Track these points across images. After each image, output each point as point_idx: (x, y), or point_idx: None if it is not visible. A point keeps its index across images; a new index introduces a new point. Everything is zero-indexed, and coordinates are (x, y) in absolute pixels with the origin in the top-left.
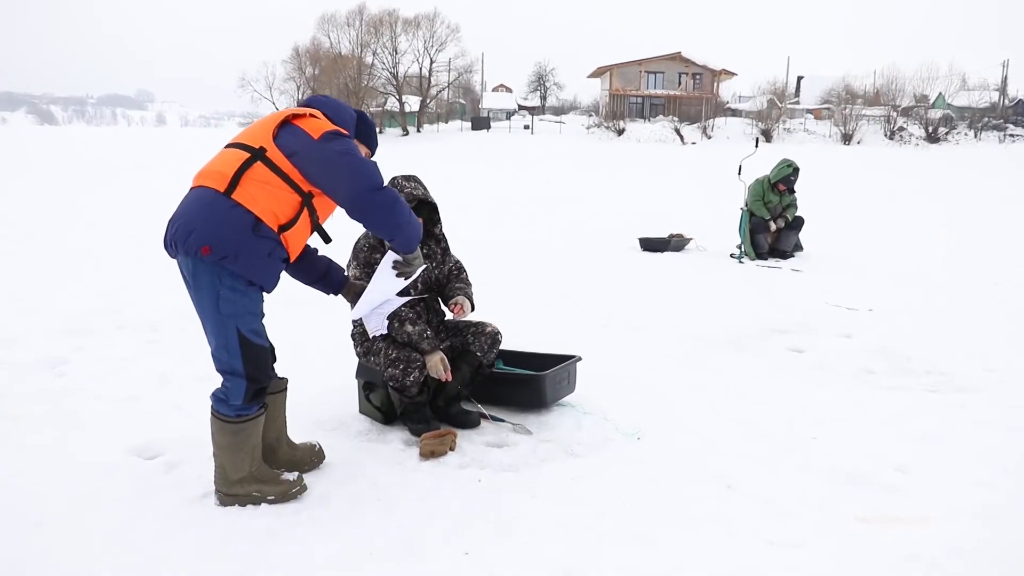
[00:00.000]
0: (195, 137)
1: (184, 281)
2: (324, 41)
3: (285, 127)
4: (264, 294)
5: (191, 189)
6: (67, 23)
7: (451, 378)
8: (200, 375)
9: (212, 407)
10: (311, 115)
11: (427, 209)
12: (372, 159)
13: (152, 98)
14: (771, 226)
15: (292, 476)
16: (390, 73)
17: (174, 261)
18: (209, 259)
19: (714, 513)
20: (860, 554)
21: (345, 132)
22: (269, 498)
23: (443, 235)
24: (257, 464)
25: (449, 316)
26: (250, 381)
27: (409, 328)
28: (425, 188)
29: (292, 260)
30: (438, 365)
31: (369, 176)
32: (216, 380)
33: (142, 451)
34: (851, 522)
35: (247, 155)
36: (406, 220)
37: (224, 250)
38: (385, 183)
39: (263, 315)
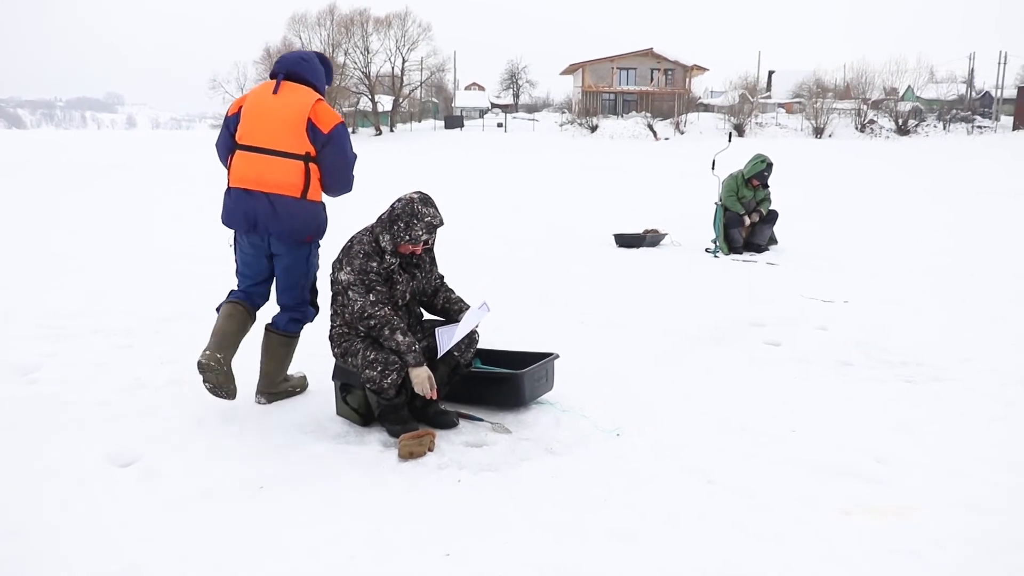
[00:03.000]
0: (166, 139)
1: (256, 250)
2: (295, 41)
3: (309, 124)
4: None
5: (255, 192)
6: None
7: (436, 396)
8: (176, 379)
9: (276, 326)
10: (318, 101)
11: (435, 231)
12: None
13: (122, 100)
14: (745, 220)
15: (300, 375)
16: (362, 73)
17: (150, 266)
18: (311, 243)
19: (695, 508)
20: (842, 546)
21: (337, 115)
22: (297, 391)
23: (433, 247)
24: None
25: (428, 317)
26: (315, 309)
27: (399, 338)
28: (438, 211)
29: None
30: (424, 382)
31: (347, 177)
32: (194, 384)
33: (116, 457)
34: (832, 514)
35: (301, 163)
36: (351, 186)
37: (319, 233)
38: (352, 176)
39: None
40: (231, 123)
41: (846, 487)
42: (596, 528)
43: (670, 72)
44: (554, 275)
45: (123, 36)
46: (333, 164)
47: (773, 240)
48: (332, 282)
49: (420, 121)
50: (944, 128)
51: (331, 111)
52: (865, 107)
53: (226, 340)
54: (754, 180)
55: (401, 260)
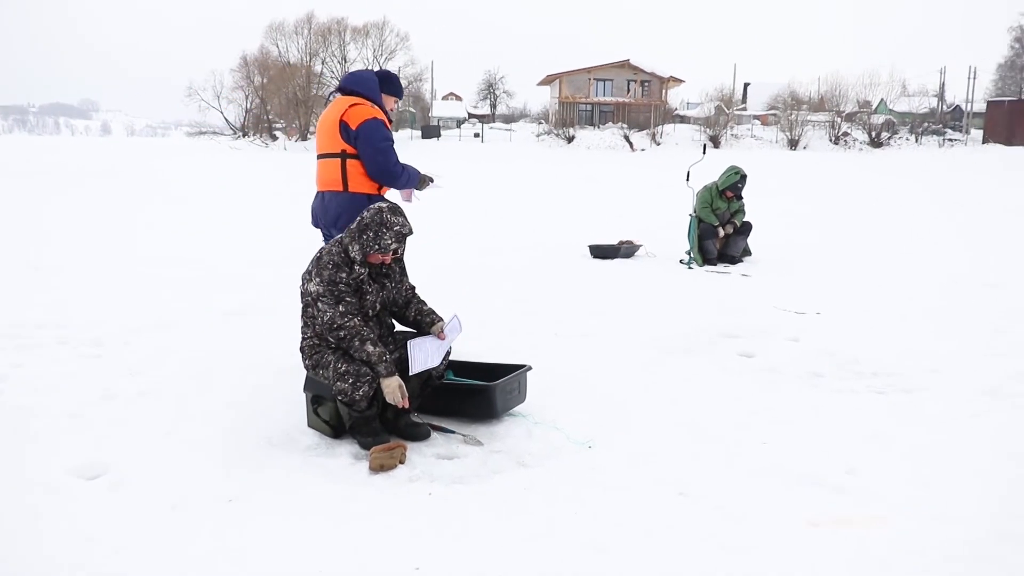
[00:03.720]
0: (142, 146)
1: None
2: (272, 50)
3: (341, 125)
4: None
5: (319, 192)
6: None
7: (408, 405)
8: (144, 390)
9: None
10: (352, 105)
11: (404, 240)
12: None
13: (97, 107)
14: (719, 232)
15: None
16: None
17: (122, 274)
18: None
19: (667, 519)
20: (812, 557)
21: (375, 111)
22: None
23: (402, 256)
24: None
25: (399, 328)
26: None
27: (370, 348)
28: (407, 220)
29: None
30: (396, 391)
31: (385, 163)
32: (164, 395)
33: (85, 469)
34: (803, 525)
35: (338, 160)
36: (405, 178)
37: None
38: (395, 163)
39: None
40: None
41: (816, 498)
42: (568, 540)
43: (646, 83)
44: (528, 285)
45: (99, 42)
46: (365, 155)
47: (747, 251)
48: (302, 294)
49: (397, 131)
50: (916, 141)
51: (364, 111)
52: (839, 119)
53: None
54: (728, 192)
55: (371, 270)
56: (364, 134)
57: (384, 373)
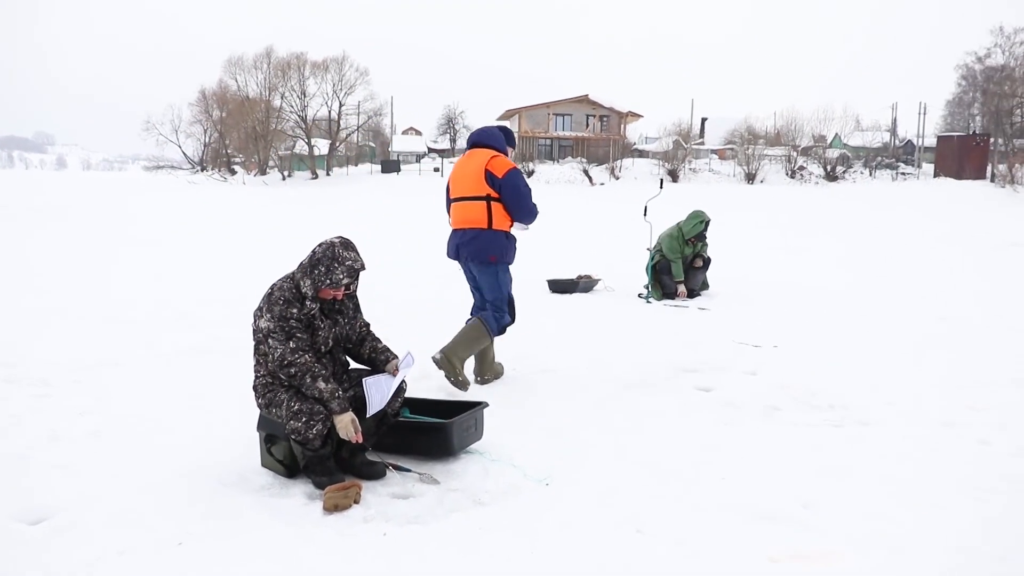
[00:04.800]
0: (98, 181)
1: (467, 274)
2: (231, 84)
3: (487, 173)
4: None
5: (459, 229)
6: None
7: (362, 440)
8: (94, 430)
9: (485, 321)
10: (493, 157)
11: (356, 275)
12: (527, 182)
13: (52, 141)
14: (681, 289)
15: (500, 364)
16: (299, 116)
17: (72, 313)
18: (495, 262)
19: (623, 557)
20: None
21: (512, 162)
22: (499, 375)
23: (355, 292)
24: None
25: (354, 366)
26: (512, 317)
27: (321, 385)
28: (359, 255)
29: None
30: (349, 427)
31: (527, 206)
32: (113, 436)
33: (27, 514)
34: (762, 561)
35: (484, 203)
36: (535, 214)
37: (502, 256)
38: (534, 204)
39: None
40: (447, 190)
41: (774, 533)
42: None
43: (605, 118)
44: None
45: (54, 76)
46: (511, 199)
47: (705, 284)
48: (254, 331)
49: (357, 165)
50: (870, 174)
51: (505, 162)
52: (795, 154)
53: (484, 360)
54: (693, 239)
55: (323, 306)
56: (510, 181)
57: (337, 410)
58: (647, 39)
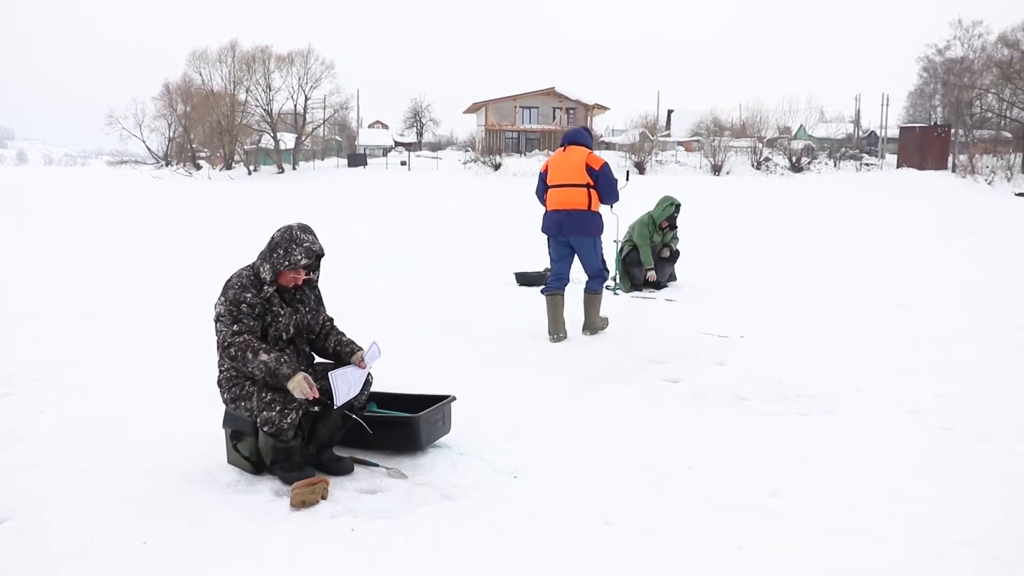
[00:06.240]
0: (61, 175)
1: (557, 249)
2: (195, 78)
3: (587, 166)
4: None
5: (561, 210)
6: None
7: (318, 395)
8: (59, 428)
9: (589, 289)
10: (589, 153)
11: (314, 257)
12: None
13: (12, 135)
14: (651, 275)
15: (605, 317)
16: (264, 110)
17: (33, 310)
18: (595, 235)
19: (592, 549)
20: None
21: (602, 158)
22: (607, 327)
23: (317, 283)
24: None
25: (320, 360)
26: (607, 271)
27: (264, 356)
28: (317, 238)
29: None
30: (302, 383)
31: (614, 192)
32: (77, 434)
33: None
34: (730, 550)
35: (585, 189)
36: (618, 198)
37: (599, 231)
38: (618, 189)
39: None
40: (543, 176)
41: (742, 522)
42: (492, 573)
43: (572, 111)
44: (454, 314)
45: (13, 68)
46: (603, 187)
47: (672, 276)
48: (214, 321)
49: (323, 159)
50: (835, 165)
51: (598, 158)
52: (760, 145)
53: (559, 321)
54: (664, 222)
55: (283, 294)
56: (604, 173)
57: (288, 373)
58: (614, 31)
